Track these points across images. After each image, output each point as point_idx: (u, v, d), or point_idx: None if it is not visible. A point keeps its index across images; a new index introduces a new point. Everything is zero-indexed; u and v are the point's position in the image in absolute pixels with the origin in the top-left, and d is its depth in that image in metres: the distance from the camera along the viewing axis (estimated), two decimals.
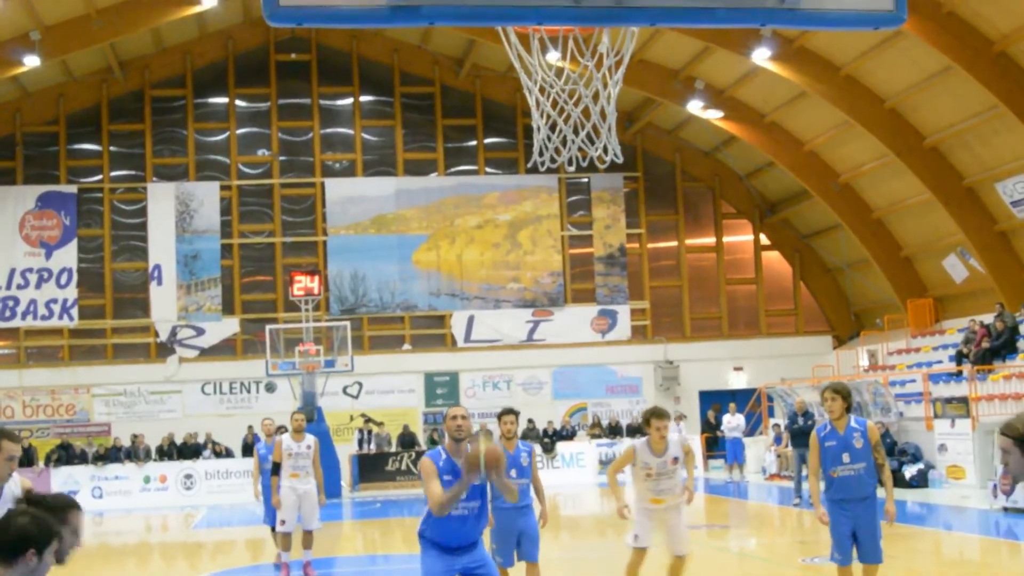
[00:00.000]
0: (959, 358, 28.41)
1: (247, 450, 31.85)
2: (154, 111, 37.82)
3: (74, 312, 36.50)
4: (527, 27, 8.42)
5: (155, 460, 32.94)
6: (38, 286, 36.32)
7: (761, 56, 30.73)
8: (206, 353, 36.91)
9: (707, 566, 16.19)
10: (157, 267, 36.98)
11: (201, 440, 33.68)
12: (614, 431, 35.22)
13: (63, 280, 36.47)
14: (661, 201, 39.92)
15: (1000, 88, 27.12)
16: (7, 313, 36.09)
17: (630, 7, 6.33)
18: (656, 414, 11.03)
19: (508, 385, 37.32)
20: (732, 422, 31.98)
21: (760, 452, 33.24)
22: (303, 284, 33.25)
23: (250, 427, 32.82)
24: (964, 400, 26.09)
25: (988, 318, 28.85)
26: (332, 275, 37.57)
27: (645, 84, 34.24)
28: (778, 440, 31.52)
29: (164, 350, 36.79)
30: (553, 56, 9.55)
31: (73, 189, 37.07)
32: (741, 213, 40.11)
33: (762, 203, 39.82)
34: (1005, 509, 20.68)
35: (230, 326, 37.22)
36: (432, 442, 33.79)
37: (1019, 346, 27.70)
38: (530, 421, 34.26)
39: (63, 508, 5.20)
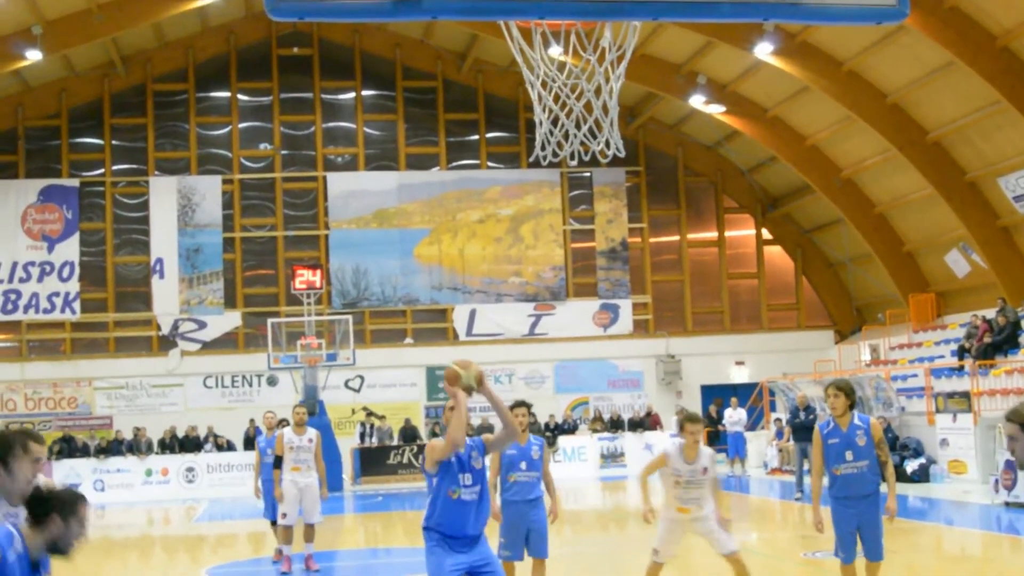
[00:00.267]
0: (961, 353, 28.40)
1: (249, 443, 31.86)
2: (156, 105, 37.83)
3: (76, 305, 36.53)
4: (529, 21, 8.43)
5: (157, 453, 32.98)
6: (40, 279, 36.35)
7: (764, 51, 30.71)
8: (208, 346, 36.94)
9: (709, 561, 16.21)
10: (159, 261, 37.00)
11: (203, 433, 33.73)
12: (616, 425, 35.24)
13: (65, 273, 36.50)
14: (663, 195, 39.92)
15: (1002, 83, 27.08)
16: (9, 306, 36.12)
17: (632, 1, 6.32)
18: (689, 418, 10.77)
19: (510, 379, 37.33)
20: (734, 416, 31.98)
21: (762, 447, 33.27)
22: (305, 278, 33.29)
23: (252, 420, 32.84)
24: (966, 395, 26.09)
25: (990, 313, 28.84)
26: (334, 269, 37.59)
27: (647, 79, 34.22)
28: (780, 435, 31.53)
29: (166, 343, 36.82)
30: (555, 50, 9.55)
31: (75, 183, 37.09)
32: (743, 208, 40.11)
33: (764, 198, 39.81)
34: (1007, 504, 20.69)
35: (232, 320, 37.25)
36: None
37: (1021, 341, 27.67)
38: (532, 415, 34.25)
39: (70, 500, 5.25)
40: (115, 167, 37.57)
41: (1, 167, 36.88)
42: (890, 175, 33.14)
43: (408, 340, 37.84)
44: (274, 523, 17.13)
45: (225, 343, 37.12)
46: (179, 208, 37.22)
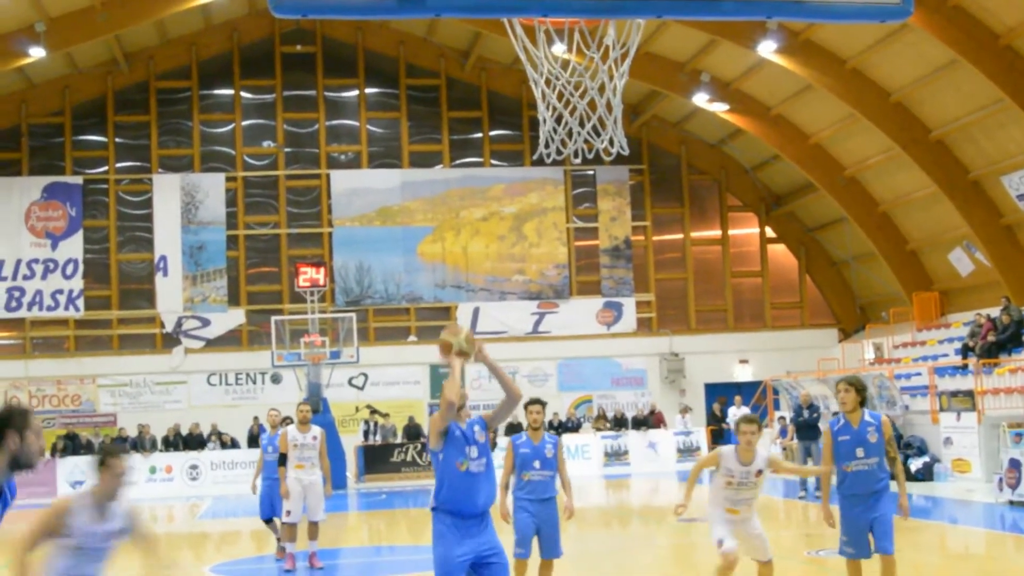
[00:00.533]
0: (965, 351, 28.39)
1: (253, 441, 31.90)
2: (159, 102, 37.85)
3: (80, 303, 36.55)
4: (533, 19, 8.42)
5: (161, 451, 33.03)
6: (44, 277, 36.38)
7: (767, 49, 30.69)
8: (212, 344, 36.96)
9: (711, 558, 16.22)
10: (163, 258, 37.02)
11: (207, 431, 33.75)
12: (619, 423, 35.23)
13: (69, 271, 36.53)
14: (667, 193, 39.91)
15: (1006, 81, 27.06)
16: (13, 304, 36.14)
17: None
18: (745, 419, 10.48)
19: (513, 377, 37.18)
20: (737, 415, 31.91)
21: (765, 445, 33.23)
22: (309, 275, 33.32)
23: (256, 418, 32.89)
24: (970, 393, 26.08)
25: (994, 311, 28.82)
26: (337, 267, 37.61)
27: (651, 76, 34.22)
28: (783, 433, 31.48)
29: (170, 341, 36.84)
30: (559, 48, 9.55)
31: (79, 180, 37.11)
32: (747, 206, 40.09)
33: (768, 196, 39.79)
34: (1011, 503, 20.68)
35: (236, 317, 37.27)
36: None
37: None
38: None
39: (21, 413, 5.29)
40: (119, 164, 37.59)
41: (5, 164, 36.91)
42: (894, 173, 33.12)
43: (412, 338, 37.85)
44: (267, 521, 17.14)
45: (229, 341, 37.14)
46: (183, 205, 37.25)
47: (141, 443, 32.88)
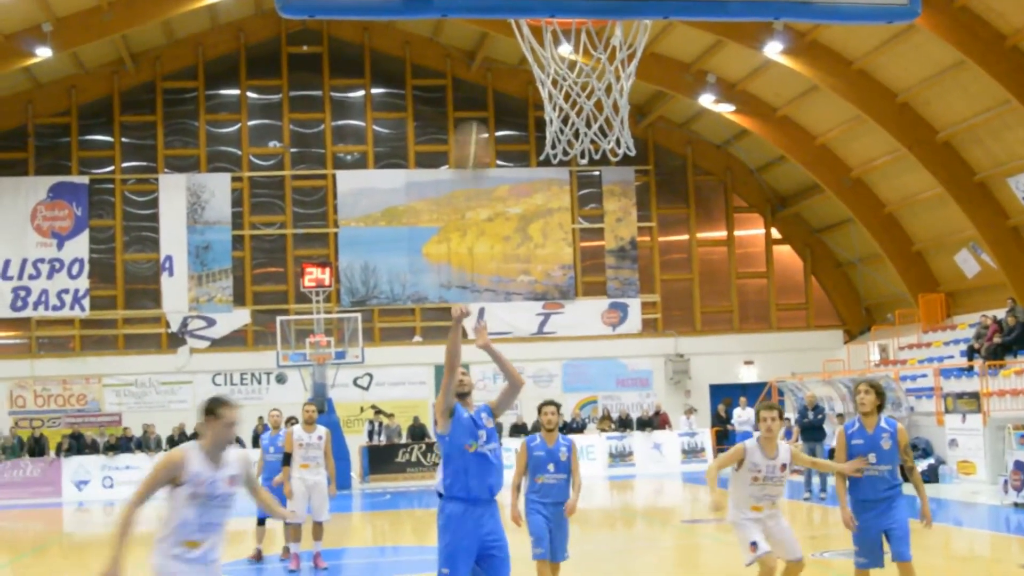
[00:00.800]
0: (970, 353, 28.34)
1: (257, 441, 31.85)
2: (166, 103, 37.89)
3: (85, 302, 36.59)
4: (540, 20, 8.42)
5: (166, 450, 33.02)
6: (50, 276, 36.42)
7: (773, 50, 30.67)
8: (217, 344, 36.99)
9: (717, 559, 16.22)
10: (168, 258, 37.05)
11: None
12: (624, 424, 35.21)
13: (75, 271, 36.56)
14: (672, 194, 39.90)
15: (1012, 82, 27.03)
16: (19, 303, 36.18)
17: (643, 0, 6.32)
18: (765, 406, 10.07)
19: None
20: (742, 416, 31.96)
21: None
22: (314, 276, 33.33)
23: (260, 418, 32.78)
24: (975, 395, 26.04)
25: (1000, 313, 28.78)
26: (343, 267, 37.62)
27: (657, 77, 34.20)
28: (788, 434, 31.45)
29: (175, 341, 36.87)
30: (565, 49, 9.54)
31: (85, 180, 37.15)
32: (752, 207, 40.07)
33: (773, 197, 39.76)
34: (1016, 505, 20.65)
35: (241, 317, 37.30)
36: None
37: None
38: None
39: None
40: (124, 164, 37.64)
41: (11, 164, 36.95)
42: (899, 175, 33.09)
43: (417, 338, 37.86)
44: (260, 522, 17.13)
45: (234, 340, 37.17)
46: (188, 205, 37.28)
47: (146, 443, 32.89)
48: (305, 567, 15.62)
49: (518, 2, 6.49)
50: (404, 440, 34.19)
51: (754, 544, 9.85)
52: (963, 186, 30.75)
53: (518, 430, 33.48)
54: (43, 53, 32.01)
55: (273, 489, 16.57)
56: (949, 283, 34.36)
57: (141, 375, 36.32)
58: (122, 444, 32.90)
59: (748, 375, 38.55)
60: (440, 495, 8.71)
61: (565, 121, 9.88)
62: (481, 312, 37.88)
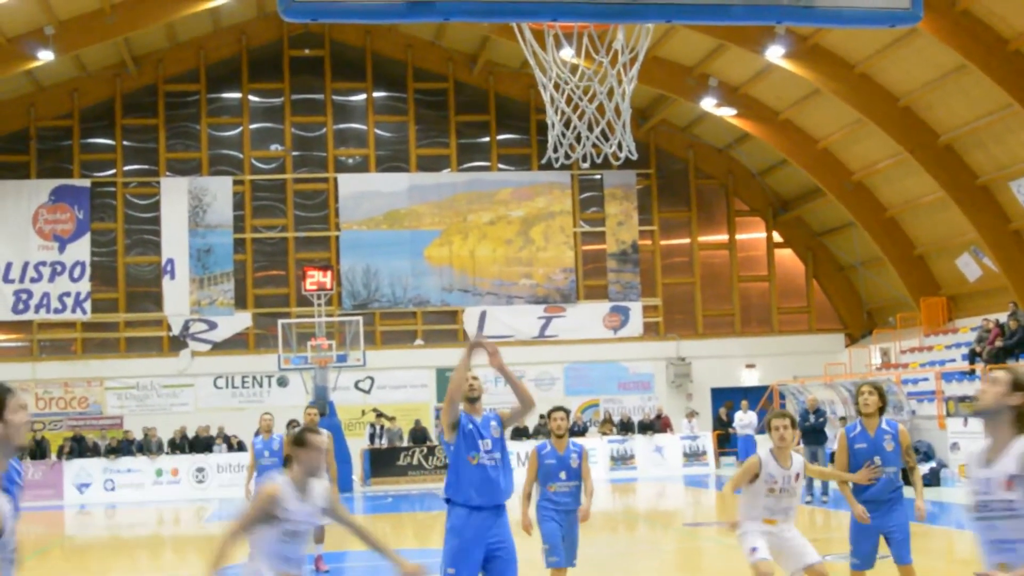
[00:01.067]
0: (972, 357, 28.33)
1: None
2: (167, 106, 37.91)
3: (87, 305, 36.61)
4: (542, 23, 8.42)
5: (167, 453, 33.05)
6: (51, 279, 36.43)
7: (775, 54, 30.67)
8: (218, 347, 37.00)
9: (717, 562, 16.22)
10: (170, 261, 37.06)
11: (213, 434, 33.76)
12: (626, 428, 35.21)
13: (76, 274, 36.58)
14: (674, 198, 39.90)
15: (1014, 86, 27.04)
16: (20, 306, 36.20)
17: (645, 3, 6.32)
18: (777, 414, 9.69)
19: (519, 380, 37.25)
20: (744, 419, 31.91)
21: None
22: (316, 279, 33.30)
23: None
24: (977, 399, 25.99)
25: (1001, 317, 28.76)
26: (344, 270, 37.63)
27: (659, 81, 34.19)
28: None
29: (177, 344, 36.88)
30: (568, 52, 9.54)
31: (86, 183, 37.18)
32: (754, 210, 40.07)
33: (775, 200, 39.76)
34: None
35: (243, 320, 37.31)
36: None
37: None
38: (542, 417, 34.25)
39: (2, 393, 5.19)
40: (126, 167, 37.66)
41: (13, 167, 36.97)
42: (901, 178, 33.08)
43: (418, 342, 37.86)
44: None
45: (235, 344, 37.18)
46: (190, 209, 37.30)
47: (147, 446, 32.90)
48: (306, 570, 15.60)
49: (520, 5, 6.48)
50: (405, 443, 34.18)
51: (753, 549, 9.51)
52: (965, 190, 30.75)
53: (519, 433, 33.48)
54: (45, 56, 32.01)
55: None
56: (951, 287, 34.36)
57: (142, 378, 36.33)
58: (123, 447, 32.91)
59: (749, 378, 38.53)
60: (447, 501, 8.74)
61: (567, 125, 9.88)
62: (483, 315, 37.90)
